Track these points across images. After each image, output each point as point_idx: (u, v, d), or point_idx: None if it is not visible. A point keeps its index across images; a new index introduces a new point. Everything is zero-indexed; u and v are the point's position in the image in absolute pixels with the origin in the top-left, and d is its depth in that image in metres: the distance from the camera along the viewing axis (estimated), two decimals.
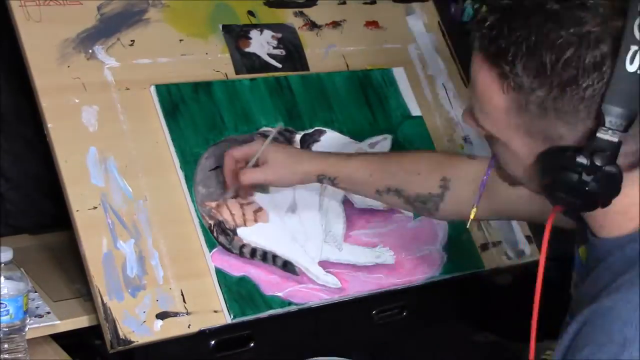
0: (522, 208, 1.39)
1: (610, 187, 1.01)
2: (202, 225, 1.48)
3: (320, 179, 1.47)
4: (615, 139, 0.98)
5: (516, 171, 1.10)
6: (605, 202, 1.04)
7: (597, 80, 0.97)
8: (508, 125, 1.05)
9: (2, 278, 1.28)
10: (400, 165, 1.47)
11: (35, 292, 1.46)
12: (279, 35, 1.72)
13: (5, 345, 1.30)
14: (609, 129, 0.98)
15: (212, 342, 1.44)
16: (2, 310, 1.28)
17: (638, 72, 0.96)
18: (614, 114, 0.97)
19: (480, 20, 1.04)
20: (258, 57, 1.68)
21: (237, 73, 1.64)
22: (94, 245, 1.39)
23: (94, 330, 1.39)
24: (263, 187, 1.54)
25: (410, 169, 1.47)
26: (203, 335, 1.42)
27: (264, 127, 1.61)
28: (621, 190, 1.02)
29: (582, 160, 1.00)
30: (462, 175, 1.44)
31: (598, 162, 0.99)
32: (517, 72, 1.00)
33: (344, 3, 1.82)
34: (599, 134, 0.98)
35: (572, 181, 1.01)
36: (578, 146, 1.00)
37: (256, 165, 1.47)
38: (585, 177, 1.00)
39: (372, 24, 1.84)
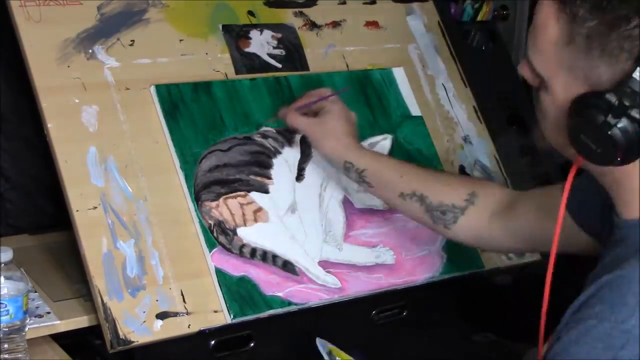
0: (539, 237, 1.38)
1: (633, 137, 1.02)
2: (202, 225, 1.48)
3: (347, 166, 1.51)
4: None
5: (549, 122, 1.12)
6: (626, 156, 1.05)
7: None
8: (555, 60, 1.08)
9: (2, 278, 1.28)
10: (434, 175, 1.51)
11: (35, 292, 1.46)
12: (279, 35, 1.72)
13: (5, 345, 1.30)
14: None
15: (212, 342, 1.44)
16: (2, 310, 1.28)
17: None
18: None
19: None
20: (258, 57, 1.68)
21: (237, 73, 1.64)
22: (94, 245, 1.39)
23: (94, 330, 1.39)
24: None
25: (443, 179, 1.50)
26: (203, 335, 1.42)
27: (264, 127, 1.61)
28: None
29: (610, 98, 1.02)
30: (490, 195, 1.45)
31: (626, 102, 1.01)
32: (576, 1, 1.04)
33: (344, 3, 1.83)
34: (634, 75, 1.01)
35: (597, 122, 1.03)
36: (611, 87, 1.02)
37: (312, 113, 1.54)
38: (610, 119, 1.02)
39: (372, 24, 1.84)
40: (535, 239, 1.41)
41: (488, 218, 1.44)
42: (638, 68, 1.01)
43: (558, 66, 1.08)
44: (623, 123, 1.02)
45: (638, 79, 1.01)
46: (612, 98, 1.03)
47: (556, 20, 1.07)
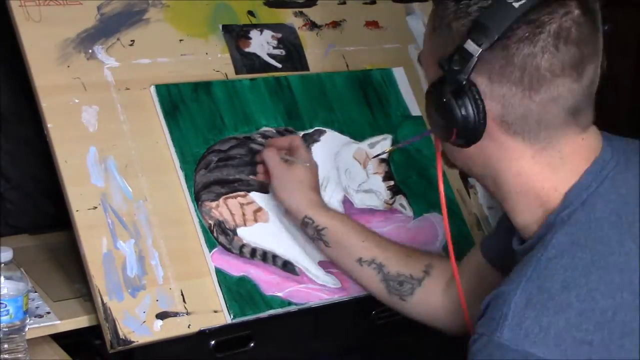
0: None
1: (463, 103, 1.09)
2: (202, 225, 1.48)
3: (306, 221, 1.47)
4: (476, 53, 1.07)
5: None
6: (463, 131, 1.11)
7: (485, 1, 1.09)
8: (427, 51, 1.17)
9: (2, 278, 1.28)
10: (395, 245, 1.49)
11: (35, 292, 1.46)
12: (279, 35, 1.72)
13: (5, 345, 1.30)
14: (474, 41, 1.07)
15: (212, 342, 1.44)
16: (2, 310, 1.28)
17: (513, 4, 1.07)
18: (481, 30, 1.07)
19: None
20: (258, 57, 1.68)
21: (237, 73, 1.64)
22: (94, 245, 1.39)
23: (94, 330, 1.39)
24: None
25: (404, 250, 1.48)
26: (203, 335, 1.42)
27: (264, 127, 1.61)
28: (507, 155, 1.13)
29: (444, 64, 1.10)
30: (446, 266, 1.44)
31: (455, 67, 1.08)
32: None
33: (344, 3, 1.83)
34: (465, 45, 1.08)
35: (437, 92, 1.12)
36: (445, 58, 1.10)
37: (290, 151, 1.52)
38: (447, 86, 1.10)
39: (372, 24, 1.84)
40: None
41: (442, 291, 1.44)
42: (469, 39, 1.08)
43: (429, 56, 1.17)
44: (456, 89, 1.10)
45: (467, 48, 1.08)
46: (446, 66, 1.10)
47: (432, 13, 1.16)
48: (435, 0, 1.16)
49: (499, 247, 1.36)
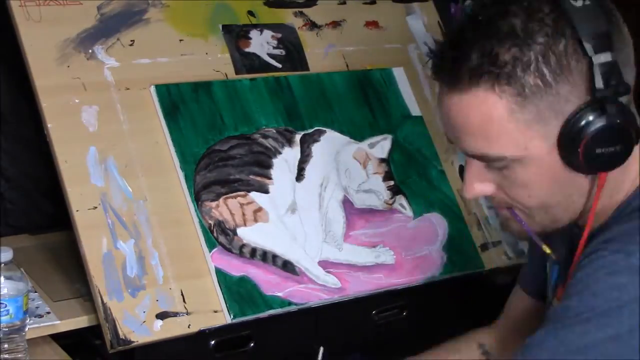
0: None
1: (629, 117, 1.03)
2: (202, 225, 1.48)
3: None
4: (609, 58, 1.01)
5: (540, 187, 1.09)
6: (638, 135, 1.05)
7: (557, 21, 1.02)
8: (518, 130, 1.05)
9: (2, 278, 1.28)
10: (437, 355, 1.44)
11: (35, 292, 1.46)
12: (279, 35, 1.72)
13: (5, 345, 1.30)
14: (597, 51, 1.01)
15: (212, 342, 1.44)
16: (2, 310, 1.28)
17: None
18: (590, 35, 1.01)
19: (436, 56, 1.08)
20: (258, 57, 1.68)
21: (237, 73, 1.64)
22: (94, 245, 1.39)
23: (94, 330, 1.39)
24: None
25: (449, 355, 1.43)
26: (203, 335, 1.42)
27: (264, 127, 1.61)
28: None
29: (597, 94, 1.01)
30: (496, 337, 1.43)
31: (612, 82, 1.01)
32: (500, 65, 1.02)
33: (344, 3, 1.83)
34: (594, 60, 1.01)
35: (602, 124, 1.02)
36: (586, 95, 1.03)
37: None
38: (609, 109, 1.02)
39: (372, 24, 1.84)
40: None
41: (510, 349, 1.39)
42: (594, 53, 1.02)
43: (525, 133, 1.05)
44: (620, 106, 1.03)
45: (600, 62, 1.02)
46: (598, 94, 1.02)
47: (498, 97, 1.04)
48: (499, 80, 1.03)
49: (540, 276, 1.33)
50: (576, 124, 1.03)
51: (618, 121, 1.03)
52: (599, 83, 1.02)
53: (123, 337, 1.35)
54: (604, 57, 1.01)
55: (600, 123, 1.03)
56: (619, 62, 1.03)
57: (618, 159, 1.06)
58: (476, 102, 1.05)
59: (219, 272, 1.46)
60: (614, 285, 1.01)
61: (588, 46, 1.01)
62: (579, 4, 1.02)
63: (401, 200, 1.67)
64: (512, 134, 1.05)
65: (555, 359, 1.02)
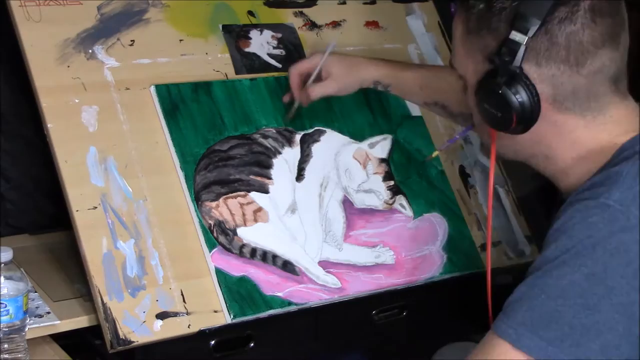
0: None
1: (517, 91, 1.15)
2: (202, 225, 1.48)
3: (375, 85, 1.60)
4: (523, 41, 1.13)
5: (474, 116, 1.25)
6: (521, 118, 1.16)
7: None
8: (463, 53, 1.23)
9: (2, 278, 1.28)
10: (449, 84, 1.53)
11: (35, 292, 1.46)
12: (279, 35, 1.72)
13: (5, 345, 1.30)
14: (519, 31, 1.13)
15: (212, 342, 1.44)
16: (2, 310, 1.28)
17: None
18: (523, 19, 1.13)
19: None
20: (258, 57, 1.68)
21: (237, 73, 1.64)
22: (94, 245, 1.39)
23: (94, 330, 1.39)
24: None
25: (457, 87, 1.50)
26: (203, 335, 1.42)
27: (264, 127, 1.61)
28: (558, 130, 1.18)
29: (495, 60, 1.16)
30: None
31: (506, 58, 1.14)
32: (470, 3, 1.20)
33: (344, 3, 1.83)
34: (510, 36, 1.14)
35: (489, 85, 1.17)
36: (494, 53, 1.16)
37: (319, 79, 1.59)
38: (499, 79, 1.16)
39: (372, 24, 1.84)
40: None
41: None
42: (512, 30, 1.13)
43: (466, 57, 1.22)
44: (508, 80, 1.15)
45: (513, 38, 1.14)
46: (497, 60, 1.15)
47: (459, 19, 1.22)
48: (463, 6, 1.21)
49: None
50: (479, 76, 1.20)
51: (500, 92, 1.16)
52: (502, 54, 1.15)
53: (123, 337, 1.35)
54: (519, 38, 1.13)
55: (488, 86, 1.18)
56: (536, 53, 1.15)
57: (499, 124, 1.20)
58: (455, 16, 1.25)
59: (219, 272, 1.46)
60: (586, 224, 1.09)
61: (517, 22, 1.13)
62: None
63: (401, 200, 1.67)
64: (459, 51, 1.24)
65: (537, 308, 1.08)
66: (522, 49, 1.14)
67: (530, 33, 1.13)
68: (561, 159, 1.22)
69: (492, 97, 1.17)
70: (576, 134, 1.20)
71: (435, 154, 1.68)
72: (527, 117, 1.17)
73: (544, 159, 1.24)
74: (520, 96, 1.15)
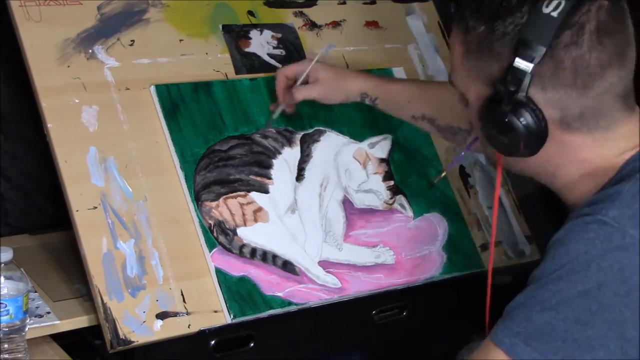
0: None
1: (525, 118, 1.13)
2: (202, 225, 1.48)
3: (362, 97, 1.59)
4: (529, 69, 1.11)
5: (478, 134, 1.23)
6: (528, 143, 1.15)
7: (520, 17, 1.12)
8: (464, 73, 1.20)
9: (2, 278, 1.29)
10: (437, 97, 1.55)
11: (35, 292, 1.46)
12: (279, 35, 1.72)
13: (5, 345, 1.30)
14: (523, 59, 1.11)
15: (212, 342, 1.44)
16: (2, 310, 1.28)
17: (551, 13, 1.10)
18: (527, 46, 1.11)
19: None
20: (258, 57, 1.68)
21: (237, 73, 1.64)
22: (94, 245, 1.39)
23: (94, 330, 1.39)
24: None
25: (446, 100, 1.52)
26: (203, 335, 1.42)
27: (264, 127, 1.61)
28: (563, 150, 1.17)
29: (500, 88, 1.13)
30: None
31: (511, 88, 1.12)
32: (466, 16, 1.17)
33: (344, 3, 1.83)
34: (515, 64, 1.11)
35: (495, 113, 1.15)
36: (499, 80, 1.14)
37: (306, 82, 1.58)
38: (504, 107, 1.14)
39: (372, 24, 1.84)
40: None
41: None
42: (516, 58, 1.11)
43: (467, 78, 1.20)
44: (514, 107, 1.13)
45: (519, 66, 1.11)
46: (501, 87, 1.13)
47: (458, 39, 1.19)
48: (462, 25, 1.18)
49: None
50: (483, 101, 1.18)
51: (506, 120, 1.14)
52: (507, 82, 1.13)
53: (123, 337, 1.35)
54: (525, 65, 1.11)
55: (493, 113, 1.16)
56: (541, 78, 1.12)
57: (506, 149, 1.19)
58: (453, 32, 1.22)
59: (219, 272, 1.46)
60: (582, 240, 1.09)
61: (521, 49, 1.11)
62: (546, 11, 1.10)
63: (401, 200, 1.67)
64: (460, 69, 1.21)
65: (533, 320, 1.09)
66: (528, 77, 1.11)
67: (536, 60, 1.10)
68: (568, 176, 1.21)
69: (498, 123, 1.16)
70: (584, 152, 1.18)
71: (443, 174, 1.67)
72: (535, 142, 1.16)
73: (551, 175, 1.23)
74: (527, 122, 1.14)
